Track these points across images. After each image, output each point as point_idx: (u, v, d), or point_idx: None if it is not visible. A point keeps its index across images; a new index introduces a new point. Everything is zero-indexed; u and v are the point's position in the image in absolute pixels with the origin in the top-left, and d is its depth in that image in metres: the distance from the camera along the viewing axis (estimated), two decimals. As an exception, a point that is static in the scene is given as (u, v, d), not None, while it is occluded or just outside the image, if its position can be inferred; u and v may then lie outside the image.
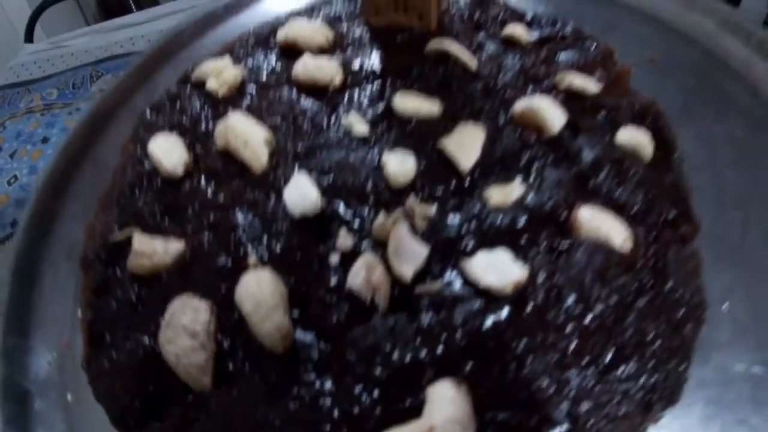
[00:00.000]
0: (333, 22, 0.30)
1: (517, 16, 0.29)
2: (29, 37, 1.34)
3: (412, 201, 0.19)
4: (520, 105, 0.22)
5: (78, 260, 0.23)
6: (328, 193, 0.20)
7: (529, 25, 0.28)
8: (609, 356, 0.16)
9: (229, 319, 0.18)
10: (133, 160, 0.24)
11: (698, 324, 0.17)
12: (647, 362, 0.16)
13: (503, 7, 0.29)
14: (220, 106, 0.25)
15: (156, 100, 0.27)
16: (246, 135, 0.22)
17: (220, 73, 0.26)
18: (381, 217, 0.19)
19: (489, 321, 0.16)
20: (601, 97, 0.23)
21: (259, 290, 0.17)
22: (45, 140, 0.85)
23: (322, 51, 0.27)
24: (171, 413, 0.17)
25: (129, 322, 0.18)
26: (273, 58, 0.28)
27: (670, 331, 0.17)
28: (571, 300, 0.17)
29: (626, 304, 0.17)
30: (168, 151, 0.23)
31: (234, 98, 0.26)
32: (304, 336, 0.18)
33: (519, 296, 0.17)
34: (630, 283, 0.17)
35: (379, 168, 0.21)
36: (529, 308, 0.16)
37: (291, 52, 0.27)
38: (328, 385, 0.16)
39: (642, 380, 0.16)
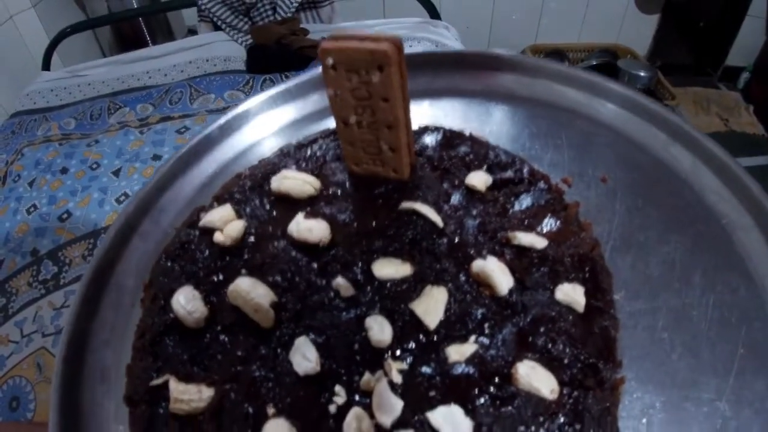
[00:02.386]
0: (318, 162, 0.36)
1: (481, 157, 0.35)
2: (46, 65, 1.39)
3: (389, 362, 0.26)
4: (476, 266, 0.29)
5: (118, 394, 0.29)
6: (324, 353, 0.27)
7: (490, 168, 0.34)
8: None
9: None
10: (157, 308, 0.30)
11: None
12: None
13: (469, 146, 0.36)
14: (226, 256, 0.32)
15: (169, 246, 0.33)
16: (255, 300, 0.28)
17: (226, 225, 0.33)
18: (366, 376, 0.26)
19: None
20: (547, 249, 0.30)
21: (276, 440, 0.24)
22: (64, 170, 0.91)
23: (311, 198, 0.34)
24: None
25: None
26: (268, 205, 0.34)
27: None
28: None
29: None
30: (188, 306, 0.29)
31: (238, 249, 0.32)
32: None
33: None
34: (553, 426, 0.24)
35: (363, 330, 0.27)
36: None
37: (285, 200, 0.34)
38: None
39: None
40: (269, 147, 0.41)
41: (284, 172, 0.35)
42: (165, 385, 0.27)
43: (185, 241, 0.33)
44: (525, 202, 0.33)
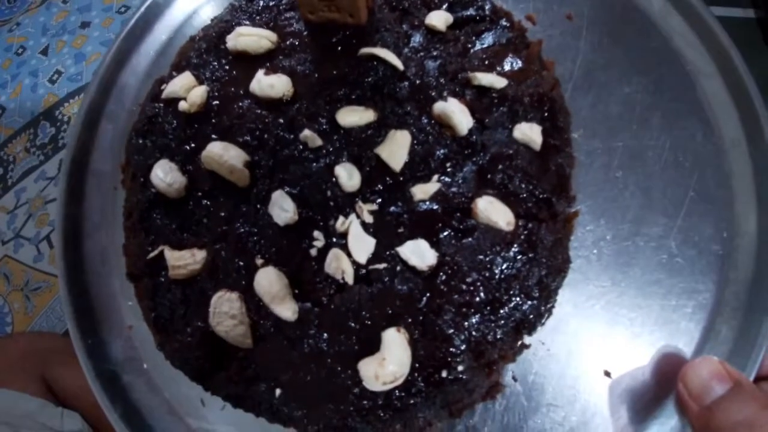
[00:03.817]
0: (272, 13, 0.35)
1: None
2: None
3: (360, 205, 0.29)
4: (437, 108, 0.30)
5: (120, 271, 0.33)
6: (300, 203, 0.29)
7: (450, 6, 0.33)
8: (492, 304, 0.27)
9: (254, 302, 0.28)
10: (138, 186, 0.32)
11: (562, 276, 0.28)
12: (522, 302, 0.27)
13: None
14: (194, 124, 0.32)
15: (138, 124, 0.34)
16: (229, 162, 0.30)
17: (189, 93, 0.33)
18: (340, 219, 0.29)
19: (416, 291, 0.27)
20: (507, 89, 0.31)
21: (268, 283, 0.28)
22: None
23: (270, 52, 0.33)
24: (231, 365, 0.28)
25: (183, 314, 0.29)
26: (227, 66, 0.34)
27: (539, 286, 0.27)
28: (467, 270, 0.27)
29: (506, 269, 0.27)
30: (167, 179, 0.31)
31: (204, 114, 0.33)
32: (303, 306, 0.28)
33: (433, 272, 0.27)
34: (509, 255, 0.28)
35: (333, 177, 0.29)
36: (439, 280, 0.27)
37: (243, 58, 0.33)
38: (323, 335, 0.28)
39: (516, 315, 0.27)
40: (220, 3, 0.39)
41: (239, 30, 0.34)
42: (161, 256, 0.30)
43: (151, 116, 0.33)
44: (486, 40, 0.33)
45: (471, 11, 0.33)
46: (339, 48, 0.32)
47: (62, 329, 0.72)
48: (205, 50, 0.35)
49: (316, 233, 0.29)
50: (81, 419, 0.58)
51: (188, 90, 0.33)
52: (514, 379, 0.29)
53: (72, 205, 0.36)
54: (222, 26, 0.35)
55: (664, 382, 0.28)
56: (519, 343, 0.28)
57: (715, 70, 0.33)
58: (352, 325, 0.27)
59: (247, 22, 0.35)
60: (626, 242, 0.30)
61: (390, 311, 0.27)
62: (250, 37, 0.33)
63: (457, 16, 0.33)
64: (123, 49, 0.39)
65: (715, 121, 0.32)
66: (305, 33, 0.34)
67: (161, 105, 0.34)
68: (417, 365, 0.26)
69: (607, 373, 0.28)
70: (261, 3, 0.35)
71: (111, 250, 0.35)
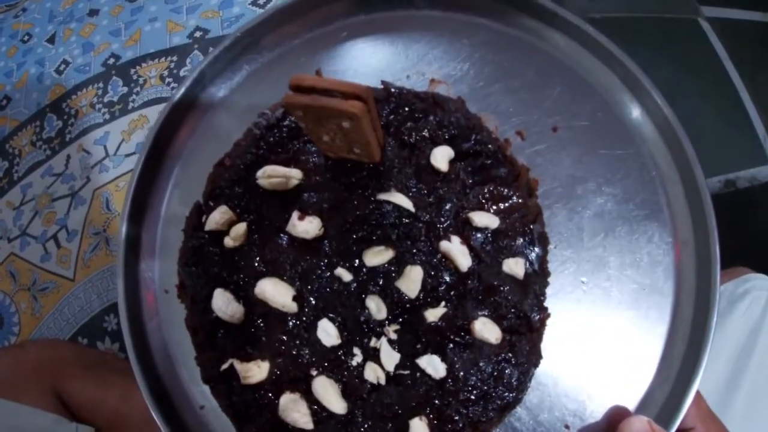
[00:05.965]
0: (294, 147, 0.40)
1: (443, 127, 0.39)
2: None
3: (387, 328, 0.38)
4: (443, 246, 0.38)
5: (184, 361, 0.42)
6: (341, 328, 0.39)
7: (452, 139, 0.39)
8: (485, 397, 0.38)
9: (312, 400, 0.39)
10: (199, 310, 0.40)
11: (534, 369, 0.39)
12: (506, 393, 0.39)
13: (432, 115, 0.39)
14: (239, 256, 0.40)
15: (186, 251, 0.41)
16: (282, 299, 0.38)
17: (229, 228, 0.39)
18: (373, 340, 0.38)
19: (432, 390, 0.38)
20: (498, 226, 0.38)
21: (323, 389, 0.38)
22: None
23: (297, 187, 0.40)
24: None
25: (255, 408, 0.40)
26: (259, 201, 0.40)
27: (518, 380, 0.39)
28: (467, 375, 0.38)
29: (495, 372, 0.38)
30: (228, 311, 0.39)
31: (247, 247, 0.40)
32: (349, 401, 0.39)
33: (443, 378, 0.38)
34: (497, 360, 0.38)
35: (365, 308, 0.38)
36: (448, 384, 0.38)
37: (274, 193, 0.40)
38: (367, 422, 0.39)
39: (501, 402, 0.39)
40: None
41: (267, 170, 0.39)
42: (231, 366, 0.39)
43: (197, 246, 0.40)
44: (484, 174, 0.39)
45: (470, 143, 0.39)
46: (359, 190, 0.39)
47: (70, 333, 0.73)
48: (235, 181, 0.41)
49: (355, 350, 0.39)
50: (96, 434, 0.58)
51: (228, 224, 0.40)
52: (500, 434, 0.42)
53: (132, 309, 0.44)
54: (248, 158, 0.40)
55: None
56: (504, 415, 0.40)
57: (677, 178, 0.41)
58: (387, 414, 0.39)
59: (271, 156, 0.40)
60: (587, 333, 0.41)
61: (413, 404, 0.39)
62: (279, 179, 0.39)
63: (458, 149, 0.39)
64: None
65: (671, 223, 0.41)
66: (326, 170, 0.39)
67: (205, 236, 0.41)
68: (434, 441, 0.39)
69: (567, 427, 0.41)
70: (281, 134, 0.40)
71: (172, 346, 0.43)
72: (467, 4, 0.43)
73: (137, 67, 0.79)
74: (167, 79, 0.77)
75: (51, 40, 0.77)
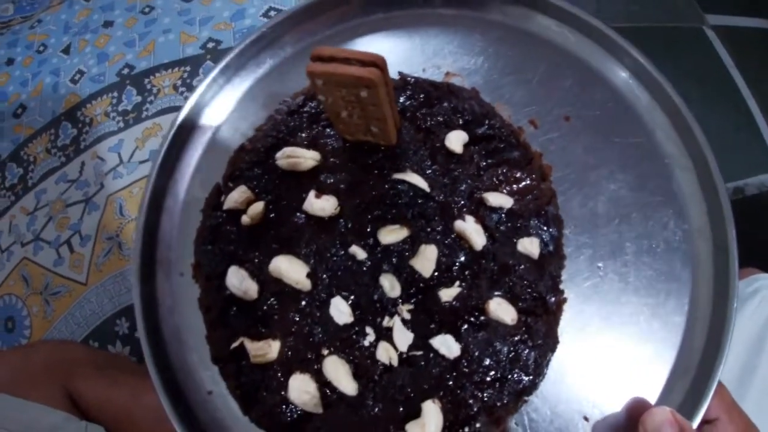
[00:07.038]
0: (313, 131, 0.42)
1: (458, 112, 0.41)
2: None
3: (400, 307, 0.39)
4: (457, 225, 0.39)
5: (196, 346, 0.43)
6: (354, 306, 0.39)
7: (467, 124, 0.41)
8: (500, 380, 0.38)
9: (323, 381, 0.39)
10: (213, 287, 0.41)
11: (551, 354, 0.39)
12: (521, 377, 0.38)
13: (447, 101, 0.41)
14: (256, 234, 0.41)
15: (203, 230, 0.42)
16: (296, 275, 0.39)
17: (247, 207, 0.41)
18: (386, 318, 0.38)
19: (445, 372, 0.38)
20: (512, 207, 0.39)
21: (334, 369, 0.38)
22: (10, 62, 0.87)
23: (314, 168, 0.41)
24: (306, 426, 0.39)
25: (265, 390, 0.40)
26: (277, 181, 0.41)
27: (534, 363, 0.38)
28: (482, 356, 0.38)
29: (510, 354, 0.38)
30: (242, 287, 0.40)
31: (264, 226, 0.41)
32: (361, 382, 0.39)
33: (457, 359, 0.37)
34: (513, 341, 0.38)
35: (379, 286, 0.39)
36: (462, 365, 0.38)
37: (292, 173, 0.41)
38: (378, 405, 0.39)
39: (517, 386, 0.38)
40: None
41: (286, 151, 0.41)
42: (241, 345, 0.39)
43: (215, 225, 0.41)
44: (497, 158, 0.41)
45: (484, 128, 0.41)
46: (375, 171, 0.40)
47: (81, 336, 0.73)
48: (255, 163, 0.42)
49: (368, 329, 0.39)
50: (106, 433, 0.59)
51: (246, 203, 0.41)
52: (516, 424, 0.41)
53: (146, 290, 0.44)
54: (269, 141, 0.42)
55: (632, 425, 0.39)
56: (520, 402, 0.39)
57: (690, 165, 0.42)
58: (399, 397, 0.38)
59: (291, 139, 0.42)
60: (604, 321, 0.40)
61: (426, 387, 0.38)
62: (298, 159, 0.41)
63: (472, 134, 0.41)
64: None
65: (686, 210, 0.41)
66: (344, 152, 0.41)
67: (223, 215, 0.42)
68: (447, 424, 0.38)
69: (586, 418, 0.40)
70: (302, 119, 0.42)
71: (183, 329, 0.44)
72: (480, 3, 0.45)
73: (151, 77, 0.82)
74: (180, 89, 0.80)
75: (66, 50, 0.81)
